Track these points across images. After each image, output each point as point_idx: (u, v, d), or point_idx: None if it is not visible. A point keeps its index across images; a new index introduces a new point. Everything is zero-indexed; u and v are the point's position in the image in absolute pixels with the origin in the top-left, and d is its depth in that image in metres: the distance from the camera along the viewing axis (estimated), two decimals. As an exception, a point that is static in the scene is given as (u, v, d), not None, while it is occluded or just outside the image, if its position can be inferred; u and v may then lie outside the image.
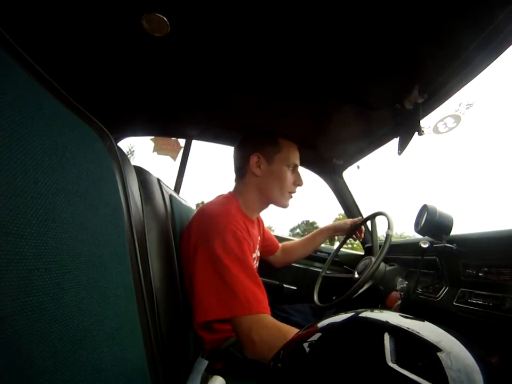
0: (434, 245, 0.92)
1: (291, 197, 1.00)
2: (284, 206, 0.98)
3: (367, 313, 0.36)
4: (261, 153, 0.93)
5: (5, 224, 0.23)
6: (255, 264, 0.99)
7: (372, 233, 1.16)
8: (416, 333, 0.30)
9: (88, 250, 0.33)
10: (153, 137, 1.55)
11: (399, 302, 1.01)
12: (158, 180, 0.83)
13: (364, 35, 0.64)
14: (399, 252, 1.25)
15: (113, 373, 0.34)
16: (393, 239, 1.00)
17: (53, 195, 0.29)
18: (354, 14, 0.59)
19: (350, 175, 1.52)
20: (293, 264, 1.61)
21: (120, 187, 0.46)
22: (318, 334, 0.36)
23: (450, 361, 0.27)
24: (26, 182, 0.26)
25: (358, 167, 1.40)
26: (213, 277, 0.73)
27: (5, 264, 0.23)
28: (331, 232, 1.33)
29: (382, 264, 1.05)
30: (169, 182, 0.94)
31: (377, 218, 1.18)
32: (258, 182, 0.94)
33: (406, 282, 1.05)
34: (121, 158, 0.49)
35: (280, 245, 1.36)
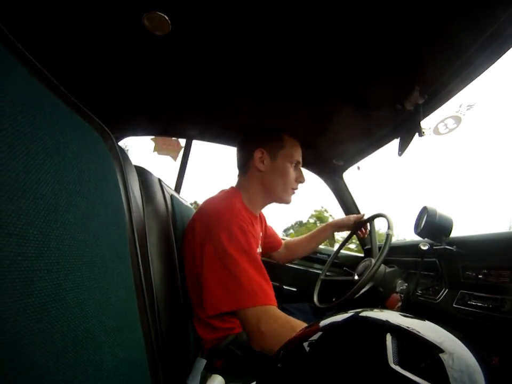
0: (434, 247, 0.92)
1: (293, 193, 1.00)
2: (287, 202, 0.99)
3: (368, 313, 0.36)
4: (265, 149, 0.94)
5: (7, 225, 0.23)
6: None
7: (371, 234, 1.16)
8: (418, 333, 0.30)
9: (90, 251, 0.33)
10: (153, 136, 1.55)
11: (400, 304, 1.01)
12: (159, 180, 0.83)
13: (365, 35, 0.64)
14: (399, 254, 1.25)
15: (114, 373, 0.34)
16: (393, 242, 1.00)
17: (55, 196, 0.29)
18: (355, 14, 0.59)
19: (350, 176, 1.52)
20: (292, 266, 1.61)
21: (121, 187, 0.45)
22: (319, 334, 0.35)
23: (453, 362, 0.27)
24: (29, 183, 0.26)
25: (358, 168, 1.40)
26: (220, 269, 0.73)
27: (7, 265, 0.23)
28: (335, 229, 1.32)
29: (382, 266, 1.05)
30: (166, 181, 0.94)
31: (377, 220, 1.18)
32: (261, 177, 0.95)
33: (406, 284, 1.05)
34: (123, 158, 0.49)
35: (283, 242, 1.36)
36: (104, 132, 0.44)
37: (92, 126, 0.41)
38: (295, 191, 1.01)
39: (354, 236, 1.35)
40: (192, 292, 0.84)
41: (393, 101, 0.86)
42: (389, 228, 1.02)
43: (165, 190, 0.85)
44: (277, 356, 0.37)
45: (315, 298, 1.16)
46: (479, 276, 0.80)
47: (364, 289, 0.97)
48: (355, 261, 1.44)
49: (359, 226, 1.27)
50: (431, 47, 0.65)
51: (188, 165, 1.53)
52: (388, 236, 0.99)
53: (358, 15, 0.59)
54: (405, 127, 0.91)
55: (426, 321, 0.34)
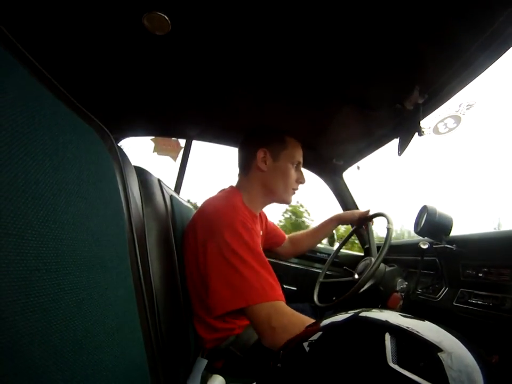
0: (434, 246, 0.92)
1: (294, 193, 1.01)
2: (287, 202, 1.00)
3: (367, 313, 0.36)
4: (267, 149, 0.94)
5: (6, 225, 0.23)
6: None
7: (369, 233, 1.17)
8: (417, 333, 0.30)
9: (89, 251, 0.33)
10: (153, 137, 1.55)
11: (401, 302, 1.01)
12: (159, 181, 0.83)
13: (365, 35, 0.64)
14: (399, 253, 1.25)
15: (113, 372, 0.34)
16: (393, 241, 1.00)
17: (54, 196, 0.29)
18: (355, 14, 0.59)
19: (350, 175, 1.52)
20: (292, 265, 1.61)
21: (120, 187, 0.46)
22: (319, 334, 0.35)
23: (451, 362, 0.27)
24: (27, 183, 0.26)
25: (358, 167, 1.40)
26: (225, 267, 0.71)
27: (5, 265, 0.23)
28: (339, 222, 1.33)
29: (382, 265, 1.05)
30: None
31: (377, 220, 1.18)
32: (263, 177, 0.95)
33: (406, 283, 1.05)
34: (122, 159, 0.49)
35: (287, 236, 1.36)
36: (104, 132, 0.44)
37: (91, 127, 0.41)
38: (295, 191, 1.01)
39: (354, 235, 1.35)
40: (193, 292, 0.84)
41: (393, 100, 0.85)
42: (388, 222, 1.03)
43: (164, 190, 0.85)
44: (277, 355, 0.37)
45: (315, 298, 1.16)
46: (479, 274, 0.80)
47: (364, 288, 0.97)
48: (355, 260, 1.44)
49: (362, 222, 1.27)
50: (431, 47, 0.65)
51: (187, 165, 1.53)
52: (389, 231, 0.99)
53: (358, 15, 0.59)
54: (405, 127, 0.91)
55: (426, 321, 0.34)
